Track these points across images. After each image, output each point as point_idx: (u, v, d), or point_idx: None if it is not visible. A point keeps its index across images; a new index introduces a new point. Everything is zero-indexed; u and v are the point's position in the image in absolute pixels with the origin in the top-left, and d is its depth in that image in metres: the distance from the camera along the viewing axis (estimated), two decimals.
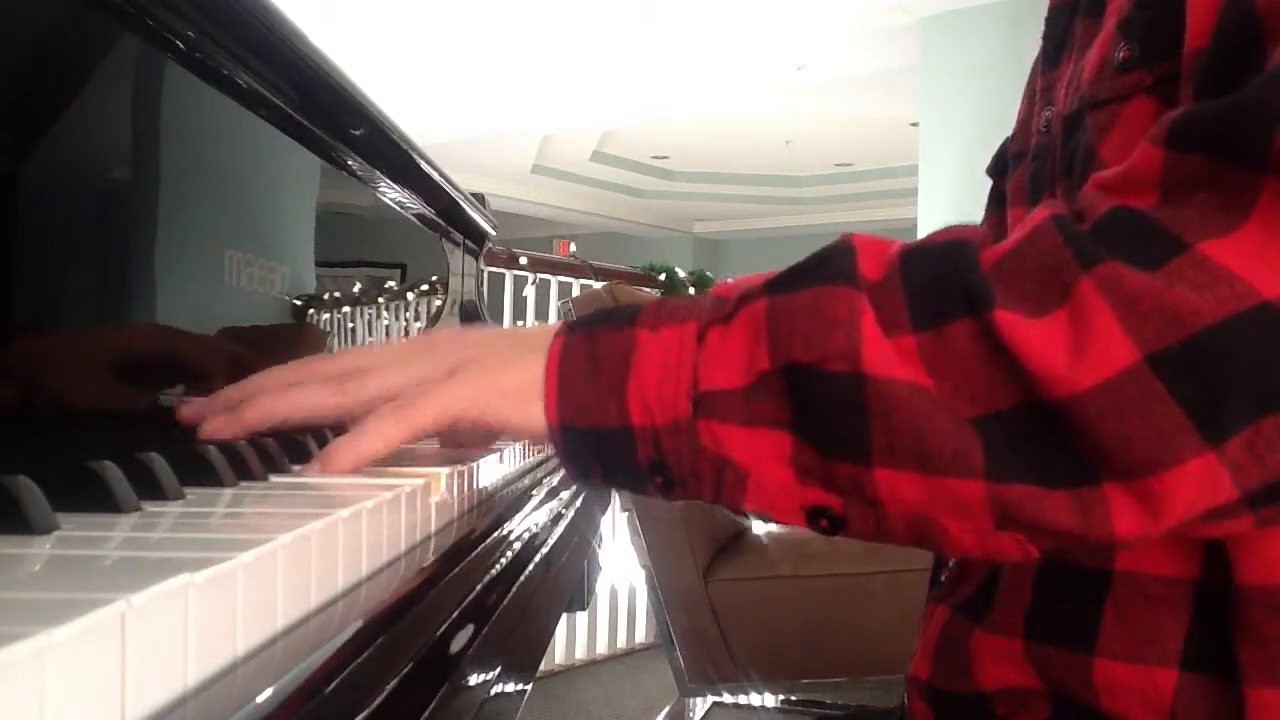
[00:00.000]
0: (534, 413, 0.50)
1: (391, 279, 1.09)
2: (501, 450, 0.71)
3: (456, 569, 0.42)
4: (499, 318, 3.21)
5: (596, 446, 0.50)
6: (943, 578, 0.67)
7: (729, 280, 0.51)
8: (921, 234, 0.51)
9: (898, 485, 0.45)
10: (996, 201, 0.78)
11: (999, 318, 0.44)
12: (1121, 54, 0.55)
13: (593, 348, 0.50)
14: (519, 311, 3.36)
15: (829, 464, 0.46)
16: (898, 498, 0.46)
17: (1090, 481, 0.43)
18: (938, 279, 0.46)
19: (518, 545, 0.51)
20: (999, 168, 0.77)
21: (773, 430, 0.47)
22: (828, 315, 0.46)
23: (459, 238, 1.23)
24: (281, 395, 0.54)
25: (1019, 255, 0.46)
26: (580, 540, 0.73)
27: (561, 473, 0.75)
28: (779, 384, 0.46)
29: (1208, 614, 0.53)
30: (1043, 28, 0.69)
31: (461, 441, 0.67)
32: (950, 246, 0.47)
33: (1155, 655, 0.53)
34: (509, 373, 0.52)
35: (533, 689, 0.54)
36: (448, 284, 1.21)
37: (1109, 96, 0.56)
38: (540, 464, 0.79)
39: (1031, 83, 0.70)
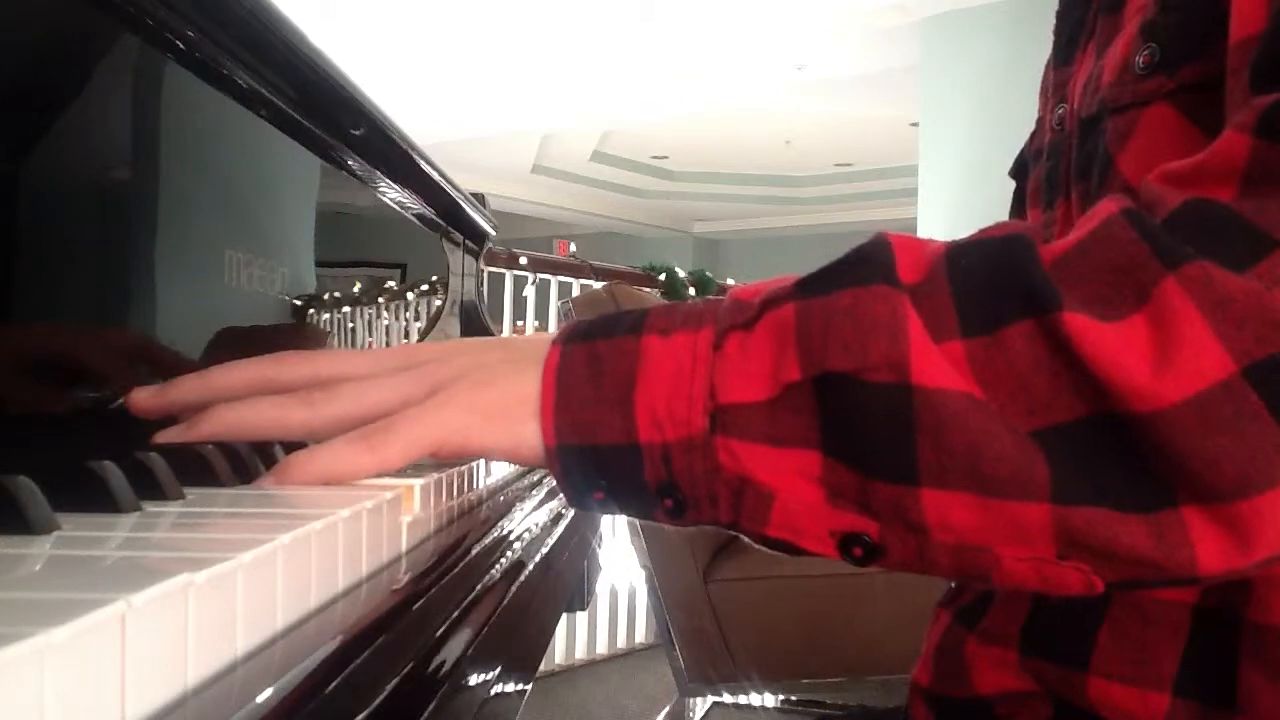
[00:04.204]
0: (526, 432, 0.45)
1: (391, 279, 1.08)
2: None
3: (457, 568, 0.42)
4: (499, 318, 3.21)
5: (598, 466, 0.44)
6: (951, 583, 0.67)
7: (746, 285, 0.47)
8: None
9: (948, 509, 0.40)
10: (1019, 204, 0.76)
11: (1068, 320, 0.39)
12: (1143, 58, 0.54)
13: (595, 357, 0.45)
14: (519, 311, 3.36)
15: (867, 485, 0.41)
16: (947, 524, 0.41)
17: (1170, 504, 0.39)
18: (991, 278, 0.42)
19: (518, 545, 0.51)
20: (1020, 170, 0.76)
21: (802, 450, 0.42)
22: (869, 318, 0.41)
23: (459, 238, 1.23)
24: (241, 409, 0.49)
25: (1085, 252, 0.42)
26: (580, 540, 0.73)
27: None
28: (809, 397, 0.42)
29: (1205, 640, 0.52)
30: (1054, 22, 0.68)
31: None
32: (1005, 243, 0.43)
33: (1150, 679, 0.52)
34: (499, 388, 0.47)
35: (533, 689, 0.54)
36: (448, 284, 1.21)
37: (1129, 101, 0.54)
38: None
39: (1045, 81, 0.69)
